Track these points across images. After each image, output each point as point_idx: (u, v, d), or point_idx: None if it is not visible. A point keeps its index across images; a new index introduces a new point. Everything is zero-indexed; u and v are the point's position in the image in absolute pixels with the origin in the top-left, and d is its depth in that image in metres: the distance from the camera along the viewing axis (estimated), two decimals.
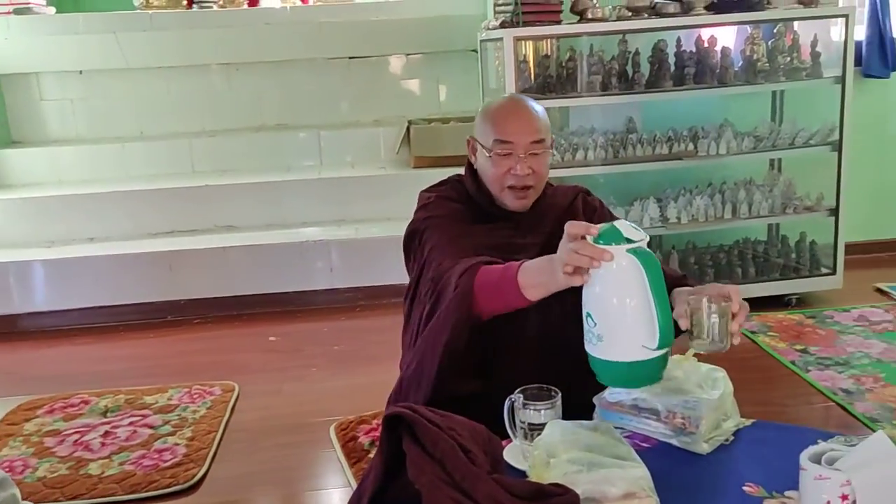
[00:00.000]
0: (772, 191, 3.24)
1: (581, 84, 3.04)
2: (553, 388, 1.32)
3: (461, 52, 4.07)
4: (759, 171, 3.41)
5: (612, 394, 1.43)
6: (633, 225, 1.22)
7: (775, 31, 3.15)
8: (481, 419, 1.25)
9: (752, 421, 1.36)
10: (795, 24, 3.16)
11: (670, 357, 1.25)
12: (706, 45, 3.10)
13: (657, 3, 3.01)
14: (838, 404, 2.35)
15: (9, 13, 4.09)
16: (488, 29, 3.12)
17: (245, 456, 2.27)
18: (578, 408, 1.40)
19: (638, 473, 1.12)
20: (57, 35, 4.10)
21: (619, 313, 1.18)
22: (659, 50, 3.06)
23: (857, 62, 3.44)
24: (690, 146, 3.11)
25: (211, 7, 4.37)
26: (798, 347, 2.77)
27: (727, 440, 1.30)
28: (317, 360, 2.94)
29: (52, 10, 4.35)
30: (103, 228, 3.69)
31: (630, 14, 2.97)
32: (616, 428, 1.28)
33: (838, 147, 3.11)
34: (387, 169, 3.97)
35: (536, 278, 1.33)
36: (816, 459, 1.05)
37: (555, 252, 1.62)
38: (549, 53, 3.11)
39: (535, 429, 1.27)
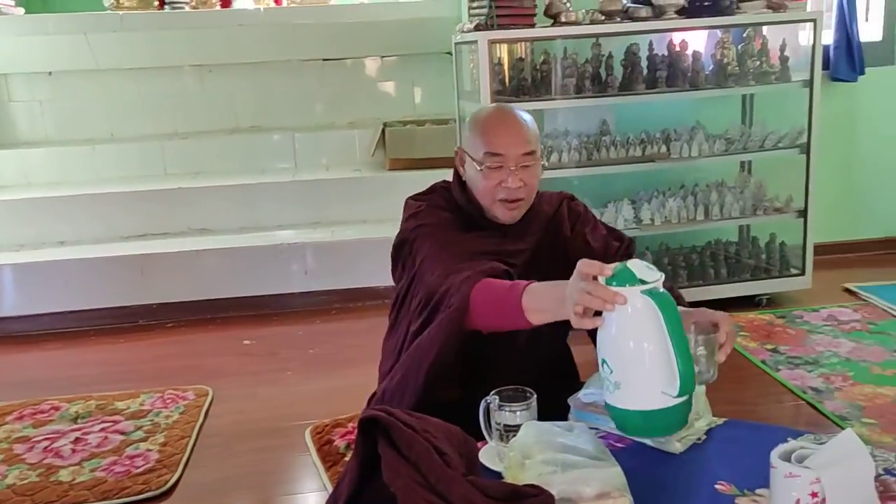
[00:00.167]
0: (742, 193, 3.28)
1: (555, 87, 3.06)
2: (528, 389, 1.33)
3: (436, 55, 4.08)
4: (730, 173, 3.45)
5: (586, 394, 1.44)
6: (647, 264, 1.17)
7: (745, 35, 3.20)
8: (463, 425, 1.25)
9: (723, 420, 1.37)
10: (764, 28, 3.20)
11: None
12: (678, 48, 3.14)
13: (629, 7, 3.03)
14: (808, 403, 2.39)
15: None
16: (463, 32, 3.13)
17: (219, 461, 2.25)
18: (554, 408, 1.41)
19: (612, 473, 1.13)
20: (26, 36, 4.04)
21: (636, 359, 1.12)
22: (632, 53, 3.09)
23: (825, 66, 3.49)
24: (663, 148, 3.14)
25: (183, 8, 4.34)
26: (769, 347, 2.81)
27: (700, 439, 1.32)
28: (292, 363, 2.92)
29: (21, 10, 4.29)
30: (74, 232, 3.64)
31: (603, 18, 3.00)
32: (591, 428, 1.29)
33: (807, 150, 3.16)
34: (362, 171, 3.97)
35: (543, 304, 1.31)
36: (787, 457, 1.07)
37: (542, 259, 1.63)
38: (523, 56, 3.12)
39: (511, 430, 1.28)
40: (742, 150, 3.23)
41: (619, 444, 1.30)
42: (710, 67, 3.19)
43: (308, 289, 3.51)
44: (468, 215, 1.65)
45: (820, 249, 3.33)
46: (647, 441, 1.29)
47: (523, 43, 3.11)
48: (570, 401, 1.46)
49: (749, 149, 3.22)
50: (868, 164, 3.83)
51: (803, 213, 3.22)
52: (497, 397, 1.31)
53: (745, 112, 3.42)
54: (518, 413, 1.29)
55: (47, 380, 2.86)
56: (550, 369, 1.65)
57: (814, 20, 3.07)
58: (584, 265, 1.19)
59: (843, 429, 1.18)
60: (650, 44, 3.11)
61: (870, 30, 3.75)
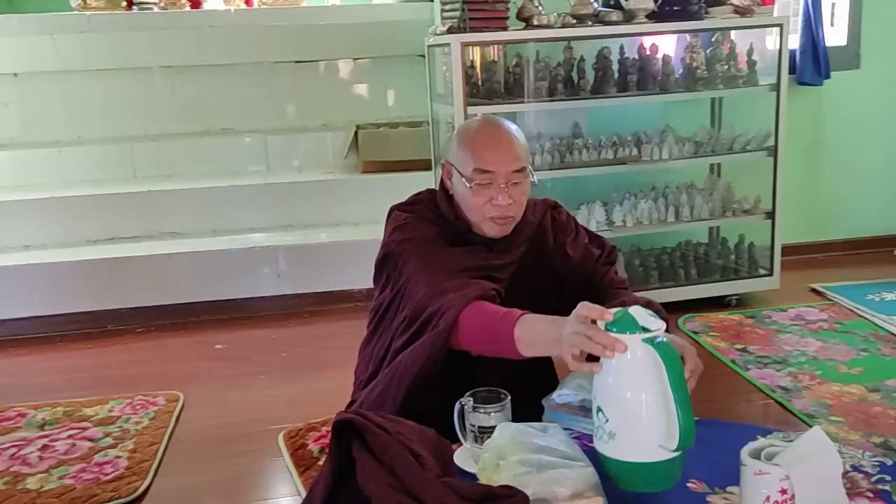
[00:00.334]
0: (712, 195, 3.33)
1: (528, 90, 3.07)
2: (502, 391, 1.34)
3: (409, 57, 4.08)
4: (699, 175, 3.50)
5: (560, 395, 1.45)
6: (650, 311, 1.15)
7: (713, 39, 3.25)
8: (440, 431, 1.25)
9: (695, 419, 1.39)
10: (732, 33, 3.25)
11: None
12: (648, 52, 3.17)
13: (601, 11, 3.06)
14: (777, 401, 2.43)
15: None
16: (436, 34, 3.14)
17: (190, 467, 2.22)
18: (528, 409, 1.41)
19: (586, 473, 1.14)
20: None
21: (634, 409, 1.09)
22: (603, 57, 3.12)
23: (792, 70, 3.56)
24: (634, 151, 3.17)
25: (151, 9, 4.28)
26: (738, 347, 2.85)
27: None
28: (265, 367, 2.90)
29: None
30: (40, 235, 3.58)
31: (574, 21, 3.02)
32: (565, 429, 1.30)
33: (774, 152, 3.21)
34: (335, 174, 3.95)
35: (536, 339, 1.29)
36: (756, 455, 1.08)
37: (527, 271, 1.62)
38: (495, 59, 3.14)
39: (485, 431, 1.28)
40: (711, 153, 3.28)
41: (592, 444, 1.30)
42: (680, 71, 3.23)
43: (281, 292, 3.48)
44: (455, 229, 1.62)
45: (787, 250, 3.39)
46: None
47: (496, 46, 3.13)
48: (544, 402, 1.47)
49: (718, 151, 3.27)
50: (834, 166, 3.90)
51: (771, 215, 3.27)
52: (471, 399, 1.32)
53: (714, 115, 3.47)
54: (492, 414, 1.30)
55: (13, 386, 2.81)
56: (529, 374, 1.65)
57: (780, 25, 3.12)
58: (584, 308, 1.16)
59: (811, 427, 1.20)
60: (621, 48, 3.14)
61: (835, 34, 3.82)
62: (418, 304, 1.48)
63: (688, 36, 3.21)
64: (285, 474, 2.13)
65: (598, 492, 1.12)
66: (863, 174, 3.92)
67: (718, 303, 3.27)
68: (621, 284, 1.65)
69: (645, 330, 1.10)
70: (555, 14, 3.03)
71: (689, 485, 1.20)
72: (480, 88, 3.10)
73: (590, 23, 3.03)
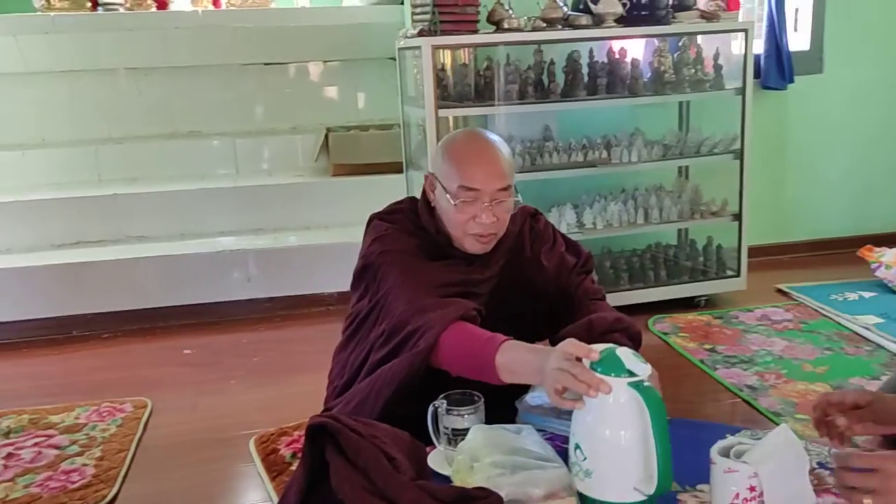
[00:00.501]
0: (680, 197, 3.37)
1: (498, 93, 3.08)
2: (476, 393, 1.34)
3: (379, 60, 4.07)
4: (668, 177, 3.54)
5: (533, 397, 1.46)
6: (636, 354, 1.15)
7: (680, 44, 3.29)
8: (416, 435, 1.25)
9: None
10: (699, 37, 3.30)
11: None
12: (617, 56, 3.20)
13: (570, 15, 3.09)
14: (744, 400, 2.46)
15: None
16: (406, 37, 3.14)
17: (159, 474, 2.19)
18: (502, 411, 1.42)
19: (559, 474, 1.15)
20: None
21: (613, 451, 1.09)
22: (573, 60, 3.15)
23: (757, 74, 3.62)
24: (604, 154, 3.20)
25: (117, 10, 4.22)
26: (707, 347, 2.89)
27: None
28: (235, 372, 2.87)
29: None
30: (3, 240, 3.50)
31: (544, 25, 3.04)
32: (538, 430, 1.31)
33: (740, 155, 3.26)
34: (305, 177, 3.93)
35: (518, 367, 1.29)
36: (725, 453, 1.10)
37: (506, 284, 1.62)
38: (466, 62, 3.14)
39: (459, 434, 1.28)
40: (679, 156, 3.32)
41: (565, 446, 1.31)
42: (648, 75, 3.26)
43: (251, 296, 3.45)
44: (435, 243, 1.61)
45: (754, 251, 3.44)
46: None
47: (466, 49, 3.13)
48: (518, 403, 1.47)
49: (686, 154, 3.31)
50: (798, 168, 3.98)
51: (738, 217, 3.32)
52: (445, 401, 1.32)
53: (682, 119, 3.51)
54: (466, 417, 1.30)
55: None
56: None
57: (745, 30, 3.18)
58: (570, 346, 1.17)
59: (777, 424, 1.22)
60: (591, 51, 3.17)
61: (798, 39, 3.90)
62: (398, 319, 1.46)
63: (656, 40, 3.25)
64: (256, 480, 2.11)
65: (571, 492, 1.13)
66: (826, 176, 4.00)
67: (687, 304, 3.31)
68: (596, 295, 1.66)
69: (631, 373, 1.10)
70: (525, 18, 3.05)
71: None
72: (451, 91, 3.10)
73: (559, 27, 3.06)
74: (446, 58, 3.12)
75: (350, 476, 1.08)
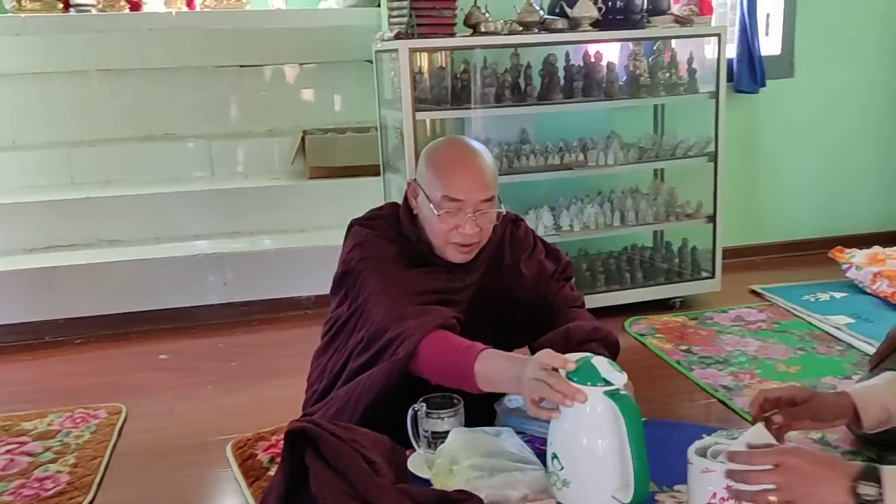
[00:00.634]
0: (656, 199, 3.40)
1: (475, 96, 3.09)
2: (455, 396, 1.34)
3: (356, 63, 4.06)
4: (644, 180, 3.57)
5: (511, 399, 1.47)
6: (612, 362, 1.16)
7: (655, 48, 3.33)
8: (397, 439, 1.25)
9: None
10: (673, 41, 3.33)
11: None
12: (593, 60, 3.23)
13: (546, 18, 3.11)
14: (719, 400, 2.49)
15: None
16: (383, 40, 3.13)
17: (134, 481, 2.16)
18: (481, 414, 1.42)
19: (538, 476, 1.16)
20: None
21: (590, 460, 1.11)
22: (549, 64, 3.16)
23: (730, 78, 3.66)
24: (580, 157, 3.22)
25: (89, 11, 4.17)
26: (682, 348, 2.92)
27: None
28: (212, 376, 2.84)
29: None
30: None
31: (521, 28, 3.06)
32: (517, 433, 1.31)
33: (714, 158, 3.30)
34: (281, 179, 3.91)
35: (495, 376, 1.30)
36: (702, 453, 1.11)
37: (486, 292, 1.62)
38: (443, 65, 3.15)
39: (439, 437, 1.28)
40: (655, 159, 3.35)
41: (544, 448, 1.32)
42: (624, 78, 3.29)
43: (227, 300, 3.42)
44: (416, 250, 1.60)
45: (727, 253, 3.48)
46: None
47: (443, 52, 3.14)
48: (497, 406, 1.48)
49: (661, 157, 3.35)
50: (770, 171, 4.03)
51: (712, 219, 3.36)
52: (424, 404, 1.32)
53: (657, 122, 3.55)
54: (445, 419, 1.30)
55: None
56: None
57: (718, 35, 3.22)
58: (545, 356, 1.17)
59: (752, 424, 1.24)
60: (567, 55, 3.19)
61: (770, 44, 3.96)
62: (378, 326, 1.46)
63: (631, 44, 3.28)
64: (233, 485, 2.10)
65: (550, 495, 1.13)
66: (797, 178, 4.06)
67: (663, 305, 3.34)
68: (575, 302, 1.66)
69: (606, 382, 1.11)
70: (502, 21, 3.06)
71: None
72: (428, 94, 3.11)
73: (536, 30, 3.07)
74: (423, 61, 3.12)
75: (330, 481, 1.08)
